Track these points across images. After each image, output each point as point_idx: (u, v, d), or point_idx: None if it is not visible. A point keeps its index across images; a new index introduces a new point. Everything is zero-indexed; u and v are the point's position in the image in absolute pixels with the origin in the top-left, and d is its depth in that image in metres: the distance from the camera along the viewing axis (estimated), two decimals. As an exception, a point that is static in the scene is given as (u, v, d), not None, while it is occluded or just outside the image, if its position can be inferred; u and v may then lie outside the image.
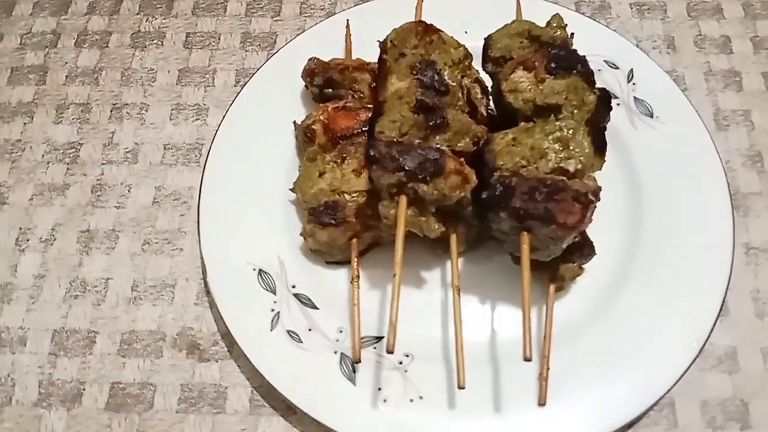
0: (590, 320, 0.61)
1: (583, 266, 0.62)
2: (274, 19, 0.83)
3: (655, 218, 0.64)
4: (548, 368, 0.57)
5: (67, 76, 0.80)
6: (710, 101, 0.75)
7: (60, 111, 0.78)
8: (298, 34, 0.78)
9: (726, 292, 0.60)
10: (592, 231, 0.64)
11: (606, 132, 0.65)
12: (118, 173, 0.73)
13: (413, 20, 0.62)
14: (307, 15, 0.83)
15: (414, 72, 0.57)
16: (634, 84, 0.71)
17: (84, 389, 0.62)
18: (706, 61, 0.77)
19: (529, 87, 0.57)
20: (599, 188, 0.62)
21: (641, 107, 0.70)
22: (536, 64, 0.57)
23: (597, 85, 0.67)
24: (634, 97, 0.70)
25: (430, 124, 0.56)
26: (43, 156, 0.75)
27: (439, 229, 0.56)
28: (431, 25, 0.61)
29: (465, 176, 0.54)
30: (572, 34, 0.71)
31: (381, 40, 0.63)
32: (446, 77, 0.59)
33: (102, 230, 0.70)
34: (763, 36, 0.79)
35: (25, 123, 0.77)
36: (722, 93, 0.75)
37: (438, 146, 0.55)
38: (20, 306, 0.66)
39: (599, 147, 0.63)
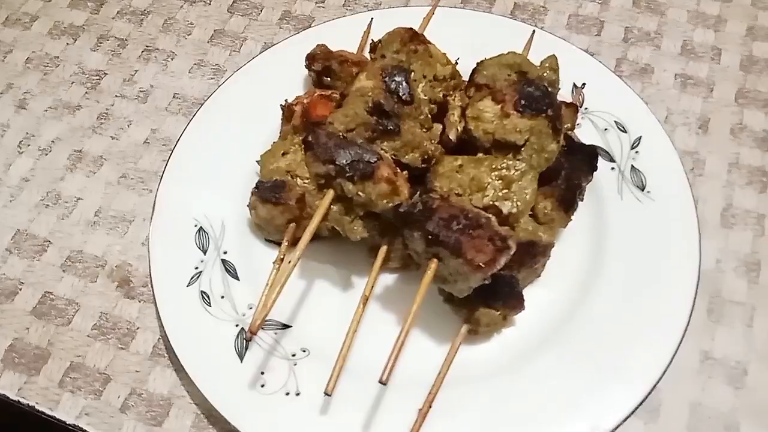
0: (497, 374, 0.57)
1: (509, 317, 0.58)
2: (317, 4, 0.84)
3: (605, 295, 0.59)
4: (430, 406, 0.54)
5: (118, 12, 0.85)
6: (724, 194, 0.68)
7: (100, 41, 0.83)
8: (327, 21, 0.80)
9: (648, 394, 0.55)
10: (536, 286, 0.61)
11: (585, 192, 0.62)
12: (125, 108, 0.78)
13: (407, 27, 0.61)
14: (349, 8, 0.84)
15: (383, 74, 0.56)
16: (636, 152, 0.66)
17: (20, 289, 0.66)
18: (736, 152, 0.71)
19: (493, 119, 0.55)
20: (552, 244, 0.59)
21: (635, 177, 0.65)
22: (506, 97, 0.55)
23: (590, 143, 0.64)
24: (632, 165, 0.65)
25: (380, 128, 0.55)
26: (70, 75, 0.80)
27: (361, 233, 0.55)
28: (420, 34, 0.60)
29: (396, 187, 0.53)
30: (584, 84, 0.68)
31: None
32: (419, 89, 0.57)
33: (92, 154, 0.74)
34: (813, 143, 0.71)
35: (68, 43, 0.83)
36: (741, 189, 0.68)
37: (382, 152, 0.54)
38: (-1, 201, 0.72)
39: (566, 204, 0.60)
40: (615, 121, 0.68)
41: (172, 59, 0.81)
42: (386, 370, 0.48)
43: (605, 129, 0.68)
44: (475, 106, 0.55)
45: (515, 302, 0.57)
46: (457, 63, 0.68)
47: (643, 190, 0.64)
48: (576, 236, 0.63)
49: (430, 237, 0.50)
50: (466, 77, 0.65)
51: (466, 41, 0.72)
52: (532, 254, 0.58)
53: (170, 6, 0.86)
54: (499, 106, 0.55)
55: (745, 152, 0.71)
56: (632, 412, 0.54)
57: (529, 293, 0.59)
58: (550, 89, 0.55)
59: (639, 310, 0.58)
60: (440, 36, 0.69)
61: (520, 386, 0.56)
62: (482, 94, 0.56)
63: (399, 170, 0.54)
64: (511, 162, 0.54)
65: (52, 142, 0.76)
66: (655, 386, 0.55)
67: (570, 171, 0.60)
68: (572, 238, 0.63)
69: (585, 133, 0.67)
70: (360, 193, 0.53)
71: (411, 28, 0.61)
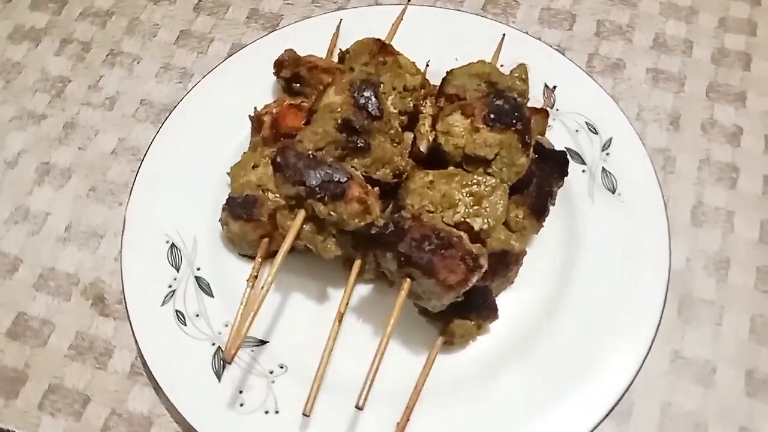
0: (471, 383, 0.58)
1: (483, 326, 0.59)
2: (285, 2, 0.83)
3: (576, 300, 0.60)
4: (408, 419, 0.55)
5: (80, 13, 0.83)
6: (695, 192, 0.69)
7: (63, 45, 0.81)
8: (298, 21, 0.79)
9: (621, 398, 0.56)
10: (509, 293, 0.62)
11: (557, 197, 0.62)
12: (91, 116, 0.76)
13: (375, 37, 0.60)
14: (318, 5, 0.82)
15: (351, 89, 0.55)
16: (607, 154, 0.66)
17: (-7, 311, 0.66)
18: (707, 149, 0.71)
19: (462, 133, 0.55)
20: (524, 252, 0.59)
21: (606, 180, 0.65)
22: (475, 111, 0.54)
23: (563, 149, 0.64)
24: (603, 167, 0.66)
25: (350, 145, 0.54)
26: (33, 83, 0.78)
27: (334, 252, 0.55)
28: (389, 45, 0.59)
29: (367, 207, 0.53)
30: (554, 87, 0.68)
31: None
32: (388, 101, 0.57)
33: (59, 166, 0.73)
34: (781, 137, 0.72)
35: (29, 48, 0.81)
36: (712, 186, 0.69)
37: (352, 169, 0.54)
38: (-35, 218, 0.70)
39: (537, 211, 0.60)
40: (586, 122, 0.68)
41: (137, 63, 0.79)
42: (362, 396, 0.48)
43: (576, 130, 0.68)
44: (445, 120, 0.55)
45: (489, 312, 0.57)
46: (428, 66, 0.68)
47: (614, 192, 0.64)
48: (547, 241, 0.63)
49: (402, 258, 0.50)
50: (438, 77, 0.64)
51: (437, 41, 0.72)
52: (505, 263, 0.58)
53: (134, 6, 0.83)
54: (469, 120, 0.54)
55: (716, 148, 0.71)
56: (606, 416, 0.55)
57: (502, 300, 0.60)
58: (519, 101, 0.55)
59: (610, 314, 0.59)
60: (411, 36, 0.68)
61: (495, 394, 0.57)
62: (452, 108, 0.55)
63: (370, 187, 0.54)
64: (481, 178, 0.54)
65: (18, 154, 0.74)
66: (627, 389, 0.56)
67: (541, 178, 0.60)
68: (543, 243, 0.63)
69: (556, 135, 0.67)
70: (332, 213, 0.52)
71: (379, 39, 0.60)
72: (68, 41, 0.81)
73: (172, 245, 0.63)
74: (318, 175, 0.52)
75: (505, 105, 0.54)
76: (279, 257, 0.52)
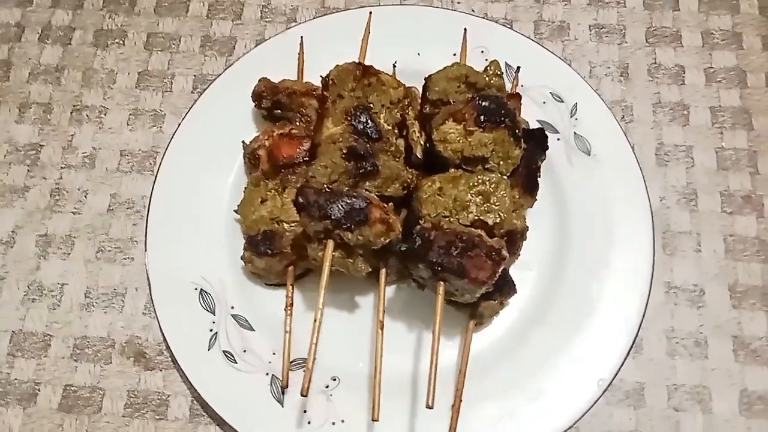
0: (505, 352, 0.65)
1: (505, 302, 0.65)
2: (234, 22, 0.83)
3: (577, 256, 0.67)
4: (461, 400, 0.61)
5: (30, 74, 0.81)
6: (655, 135, 0.76)
7: (22, 110, 0.80)
8: (257, 42, 0.80)
9: (636, 335, 0.64)
10: (517, 265, 0.68)
11: (541, 168, 0.68)
12: (75, 178, 0.76)
13: (354, 61, 0.63)
14: (267, 20, 0.83)
15: (348, 117, 0.59)
16: (576, 119, 0.72)
17: (39, 390, 0.67)
18: (657, 92, 0.78)
19: (458, 138, 0.59)
20: (526, 228, 0.65)
21: (580, 144, 0.71)
22: (466, 116, 0.59)
23: (535, 122, 0.69)
24: (575, 132, 0.72)
25: (360, 171, 0.58)
26: (5, 156, 0.77)
27: (365, 269, 0.60)
28: (370, 67, 0.63)
29: (389, 225, 0.57)
30: (518, 68, 0.73)
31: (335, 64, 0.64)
32: (381, 120, 0.61)
33: (59, 235, 0.74)
34: (718, 68, 0.79)
35: (-12, 121, 0.79)
36: (668, 126, 0.77)
37: (367, 192, 0.58)
38: (-20, 307, 0.71)
39: (530, 188, 0.66)
40: (551, 93, 0.73)
41: (105, 114, 0.79)
42: (429, 396, 0.54)
43: (544, 102, 0.73)
44: (440, 129, 0.59)
45: (509, 289, 0.64)
46: (395, 66, 0.72)
47: (589, 154, 0.71)
48: (540, 211, 0.69)
49: (435, 267, 0.55)
50: (404, 76, 0.68)
51: (395, 40, 0.75)
52: (513, 242, 0.64)
53: (83, 55, 0.82)
54: (462, 125, 0.59)
55: (664, 90, 0.78)
56: (627, 355, 0.63)
57: (513, 274, 0.66)
58: (503, 99, 0.60)
59: (609, 264, 0.66)
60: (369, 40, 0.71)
61: (528, 353, 0.64)
62: (443, 116, 0.59)
63: (386, 205, 0.58)
64: (483, 176, 0.59)
65: (13, 231, 0.74)
66: (639, 329, 0.64)
67: (527, 158, 0.65)
68: (537, 214, 0.69)
69: (526, 110, 0.72)
70: (359, 237, 0.57)
71: (360, 63, 0.63)
72: (26, 105, 0.80)
73: (202, 291, 0.66)
74: (340, 207, 0.56)
75: (492, 105, 0.59)
76: (322, 291, 0.56)
